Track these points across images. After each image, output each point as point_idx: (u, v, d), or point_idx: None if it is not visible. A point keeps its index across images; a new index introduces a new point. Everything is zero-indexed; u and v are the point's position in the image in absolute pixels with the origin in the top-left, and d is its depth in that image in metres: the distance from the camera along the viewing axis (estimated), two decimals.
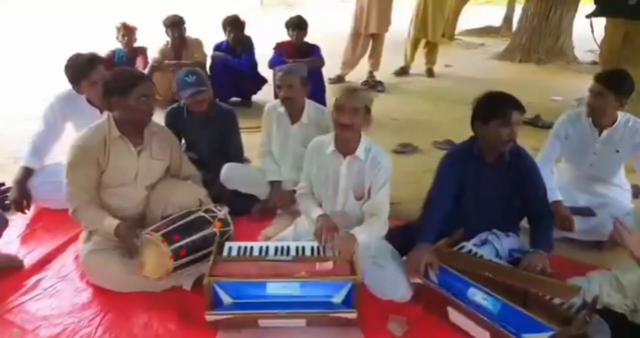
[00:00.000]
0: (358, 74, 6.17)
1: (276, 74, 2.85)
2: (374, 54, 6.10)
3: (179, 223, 2.20)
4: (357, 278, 1.92)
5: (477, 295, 1.91)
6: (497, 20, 11.06)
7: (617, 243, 1.86)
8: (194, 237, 2.17)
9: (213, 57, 4.77)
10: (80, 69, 2.73)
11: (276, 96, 3.04)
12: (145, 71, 4.67)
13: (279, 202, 2.80)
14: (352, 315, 1.91)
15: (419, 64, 6.82)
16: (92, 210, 2.22)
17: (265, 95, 5.09)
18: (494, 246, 2.31)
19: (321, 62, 4.67)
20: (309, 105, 2.85)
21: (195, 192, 2.41)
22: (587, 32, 5.28)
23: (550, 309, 1.84)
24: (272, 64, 4.62)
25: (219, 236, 2.25)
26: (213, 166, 2.89)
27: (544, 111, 4.98)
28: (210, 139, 3.01)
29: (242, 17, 4.76)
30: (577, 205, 2.68)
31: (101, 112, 2.84)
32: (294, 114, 2.87)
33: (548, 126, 4.40)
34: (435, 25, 6.36)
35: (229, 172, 2.86)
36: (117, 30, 4.71)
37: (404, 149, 3.96)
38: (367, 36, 5.95)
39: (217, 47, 4.82)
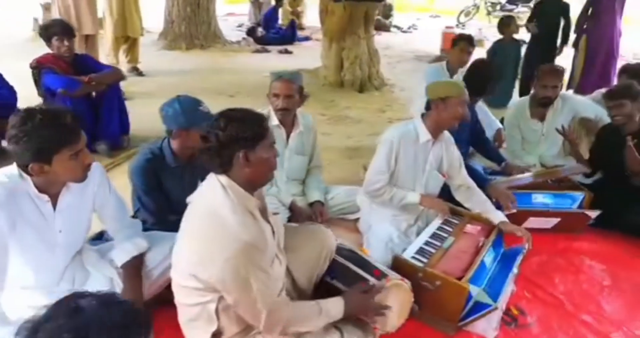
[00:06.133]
0: None
1: (273, 82, 2.46)
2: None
3: (363, 256, 1.95)
4: None
5: (538, 197, 2.77)
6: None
7: None
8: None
9: None
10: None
11: None
12: None
13: (325, 218, 2.60)
14: None
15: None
16: (299, 305, 1.64)
17: None
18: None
19: (121, 74, 3.76)
20: (298, 112, 2.67)
21: None
22: None
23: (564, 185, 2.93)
24: (53, 86, 3.36)
25: None
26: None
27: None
28: (194, 182, 2.32)
29: None
30: None
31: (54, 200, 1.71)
32: (287, 125, 2.62)
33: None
34: (134, 20, 5.86)
35: None
36: None
37: None
38: (82, 37, 4.94)
39: None
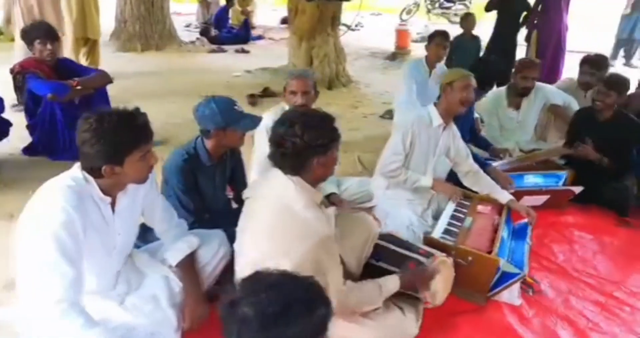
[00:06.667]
0: None
1: (290, 80, 2.55)
2: None
3: (403, 239, 2.12)
4: None
5: (530, 178, 3.06)
6: None
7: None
8: None
9: None
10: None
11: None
12: None
13: (346, 204, 2.72)
14: None
15: None
16: (361, 287, 1.77)
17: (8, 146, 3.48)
18: None
19: (109, 77, 3.66)
20: None
21: None
22: None
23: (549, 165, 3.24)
24: (41, 91, 3.24)
25: None
26: (220, 207, 2.38)
27: (241, 86, 5.80)
28: (223, 180, 2.39)
29: None
30: None
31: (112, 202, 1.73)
32: None
33: (273, 94, 5.42)
34: (93, 20, 5.64)
35: None
36: None
37: None
38: None
39: None
